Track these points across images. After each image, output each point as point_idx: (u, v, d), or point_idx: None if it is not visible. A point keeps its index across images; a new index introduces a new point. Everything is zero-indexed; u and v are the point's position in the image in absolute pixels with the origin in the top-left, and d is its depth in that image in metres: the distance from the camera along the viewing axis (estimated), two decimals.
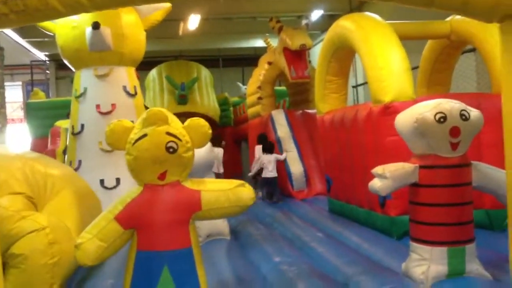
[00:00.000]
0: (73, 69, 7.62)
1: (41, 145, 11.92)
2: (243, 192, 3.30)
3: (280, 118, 9.08)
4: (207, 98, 13.07)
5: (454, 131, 3.36)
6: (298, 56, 8.78)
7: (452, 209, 3.45)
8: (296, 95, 10.56)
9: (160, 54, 15.44)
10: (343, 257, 4.38)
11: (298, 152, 8.63)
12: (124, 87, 7.40)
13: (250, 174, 8.70)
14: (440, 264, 3.47)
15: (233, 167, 13.55)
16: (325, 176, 6.86)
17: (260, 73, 10.42)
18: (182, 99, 12.40)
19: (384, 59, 4.99)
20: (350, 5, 13.37)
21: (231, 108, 14.51)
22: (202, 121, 3.38)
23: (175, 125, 3.23)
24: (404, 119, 3.58)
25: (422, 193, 3.53)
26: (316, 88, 6.70)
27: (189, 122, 3.35)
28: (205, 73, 13.41)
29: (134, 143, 3.13)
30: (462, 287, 3.42)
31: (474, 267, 3.51)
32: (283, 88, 12.23)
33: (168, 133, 3.14)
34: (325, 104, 6.55)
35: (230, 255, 4.82)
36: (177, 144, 3.14)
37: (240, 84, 15.64)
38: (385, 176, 3.47)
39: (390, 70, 4.96)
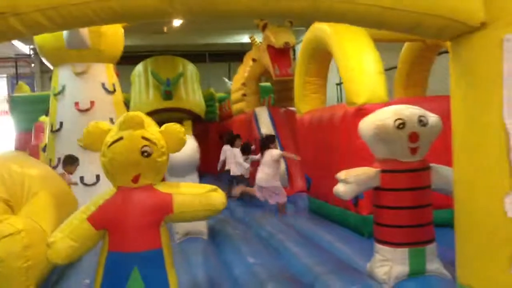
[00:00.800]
0: (51, 66, 7.66)
1: (26, 140, 11.95)
2: (215, 196, 3.39)
3: (263, 116, 9.17)
4: (192, 93, 13.09)
5: (413, 137, 3.49)
6: (282, 54, 8.86)
7: (413, 211, 3.58)
8: (280, 92, 10.66)
9: (146, 49, 15.45)
10: (314, 257, 4.49)
11: (281, 149, 8.72)
12: (103, 84, 7.46)
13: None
14: (401, 264, 3.61)
15: (217, 163, 13.67)
16: (305, 176, 6.99)
17: (244, 70, 10.51)
18: (168, 95, 12.40)
19: (357, 62, 5.10)
20: None
21: (217, 104, 14.59)
22: (178, 127, 3.47)
23: (151, 130, 3.32)
24: (366, 125, 3.71)
25: (384, 196, 3.65)
26: (295, 89, 6.80)
27: (165, 127, 3.44)
28: (191, 69, 13.42)
29: (109, 146, 3.22)
30: (423, 286, 3.56)
31: (434, 266, 3.66)
32: (268, 84, 12.33)
33: (144, 138, 3.21)
34: (304, 104, 6.66)
35: (206, 254, 4.92)
36: (152, 149, 3.23)
37: (226, 80, 15.70)
38: (348, 181, 3.59)
39: (363, 73, 5.07)
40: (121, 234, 3.20)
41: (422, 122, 3.54)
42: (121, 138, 3.17)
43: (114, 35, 7.48)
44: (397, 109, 3.62)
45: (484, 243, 2.28)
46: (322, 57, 6.06)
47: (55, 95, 7.45)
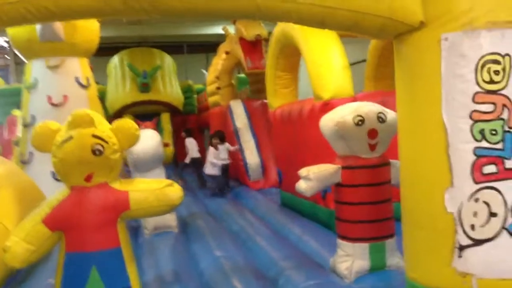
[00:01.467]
0: (24, 59, 7.53)
1: (0, 133, 11.77)
2: (171, 191, 3.39)
3: (238, 109, 9.17)
4: (170, 86, 13.03)
5: (372, 133, 3.53)
6: (253, 46, 8.85)
7: (372, 207, 3.63)
8: (255, 84, 10.60)
9: (122, 40, 15.28)
10: (280, 251, 4.54)
11: (256, 142, 8.75)
12: (77, 78, 7.36)
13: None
14: (362, 259, 3.66)
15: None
16: (277, 170, 7.01)
17: (218, 62, 10.47)
18: (145, 87, 12.33)
19: (323, 57, 5.12)
20: None
21: (195, 96, 14.52)
22: (129, 123, 3.45)
23: (102, 128, 3.29)
24: (326, 122, 3.73)
25: (344, 192, 3.70)
26: (267, 84, 6.80)
27: (116, 124, 3.41)
28: (168, 61, 13.34)
29: (59, 146, 3.19)
30: (383, 280, 3.62)
31: (395, 260, 3.72)
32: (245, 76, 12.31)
33: (94, 136, 3.19)
34: (276, 98, 6.67)
35: (174, 248, 4.94)
36: (103, 147, 3.20)
37: (204, 71, 15.61)
38: (309, 178, 3.63)
39: (329, 68, 5.10)
40: (77, 234, 3.19)
41: (381, 118, 3.57)
42: (71, 138, 3.15)
43: (89, 29, 7.39)
44: (356, 106, 3.65)
45: (427, 238, 2.33)
46: (291, 51, 6.06)
47: (27, 88, 7.33)
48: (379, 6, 2.26)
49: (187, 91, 14.03)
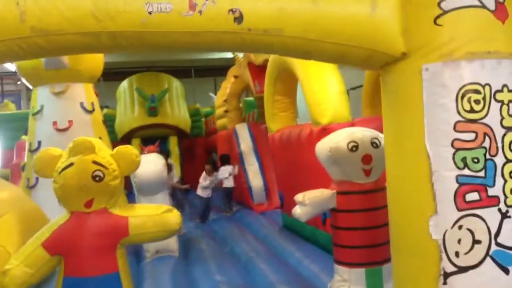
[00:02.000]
0: (30, 86, 7.71)
1: (10, 158, 11.97)
2: (169, 217, 3.45)
3: (243, 132, 9.26)
4: (177, 109, 13.20)
5: (366, 159, 3.56)
6: (262, 70, 8.93)
7: (368, 232, 3.63)
8: (263, 108, 10.71)
9: (132, 65, 15.54)
10: (279, 275, 4.56)
11: (260, 166, 8.81)
12: (81, 104, 7.48)
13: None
14: (359, 284, 3.65)
15: None
16: (278, 193, 7.05)
17: (226, 86, 10.61)
18: (152, 111, 12.49)
19: (320, 83, 5.20)
20: None
21: (203, 119, 14.66)
22: (130, 149, 3.53)
23: (102, 154, 3.37)
24: (320, 148, 3.78)
25: (340, 217, 3.71)
26: (265, 108, 6.90)
27: (117, 150, 3.49)
28: (176, 85, 13.53)
29: (60, 172, 3.27)
30: None
31: (391, 285, 3.70)
32: (253, 99, 12.43)
33: (95, 162, 3.27)
34: (274, 122, 6.76)
35: (174, 272, 4.97)
36: (103, 173, 3.28)
37: (212, 95, 15.79)
38: (305, 203, 3.66)
39: (327, 94, 5.17)
40: (76, 259, 3.24)
41: (375, 144, 3.61)
42: (71, 164, 3.23)
43: (93, 56, 7.53)
44: (350, 132, 3.70)
45: (412, 264, 2.35)
46: (288, 76, 6.16)
47: (34, 114, 7.49)
48: (361, 38, 2.33)
49: (195, 114, 14.18)
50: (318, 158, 3.85)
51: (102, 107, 11.73)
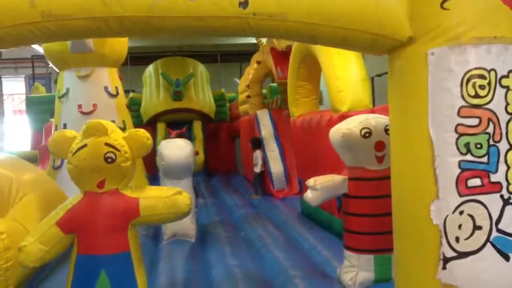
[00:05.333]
0: (56, 69, 7.89)
1: (40, 139, 12.30)
2: (179, 199, 3.50)
3: (264, 118, 9.27)
4: (202, 94, 13.28)
5: (379, 145, 3.53)
6: (284, 56, 8.89)
7: (378, 219, 3.61)
8: (285, 94, 10.69)
9: (158, 50, 15.66)
10: (292, 260, 4.58)
11: (280, 152, 8.82)
12: (106, 88, 7.63)
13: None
14: (367, 270, 3.66)
15: (228, 164, 13.83)
16: (297, 179, 7.06)
17: (249, 71, 10.61)
18: (177, 96, 12.60)
19: (341, 70, 5.15)
20: None
21: (228, 104, 14.71)
22: (141, 132, 3.58)
23: (115, 136, 3.43)
24: (334, 133, 3.78)
25: (351, 203, 3.71)
26: (288, 93, 6.88)
27: (129, 133, 3.55)
28: (201, 69, 13.60)
29: (74, 153, 3.36)
30: None
31: None
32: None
33: (107, 144, 3.34)
34: (297, 108, 6.73)
35: (189, 255, 5.05)
36: (115, 155, 3.35)
37: (237, 80, 15.80)
38: (316, 188, 3.67)
39: (347, 81, 5.12)
40: (89, 237, 3.33)
41: (388, 131, 3.56)
42: (84, 146, 3.31)
43: (118, 40, 7.65)
44: (364, 118, 3.67)
45: (413, 249, 2.35)
46: (312, 61, 6.10)
47: (60, 97, 7.68)
48: (366, 22, 2.30)
49: (220, 99, 14.23)
50: (332, 144, 3.85)
51: (128, 92, 11.90)
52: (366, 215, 3.65)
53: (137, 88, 14.90)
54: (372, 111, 4.99)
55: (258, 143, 8.82)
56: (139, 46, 14.95)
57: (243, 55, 17.25)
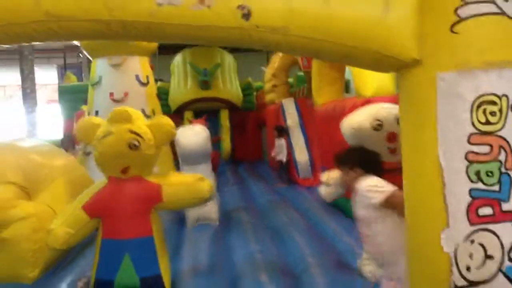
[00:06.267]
0: (90, 57, 8.07)
1: (71, 126, 12.61)
2: (201, 185, 3.59)
3: (290, 107, 9.28)
4: (229, 83, 13.32)
5: (391, 137, 3.46)
6: None
7: None
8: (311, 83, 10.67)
9: None
10: (312, 247, 4.63)
11: (306, 141, 8.83)
12: (137, 76, 7.78)
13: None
14: None
15: (255, 152, 13.89)
16: (321, 168, 7.06)
17: (275, 60, 10.61)
18: (205, 85, 12.68)
19: None
20: None
21: (254, 93, 14.73)
22: (165, 120, 3.67)
23: (139, 124, 3.53)
24: (345, 126, 3.73)
25: None
26: (313, 81, 6.86)
27: (153, 121, 3.64)
28: (228, 59, 13.63)
29: (100, 140, 3.47)
30: None
31: None
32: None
33: (131, 131, 3.44)
34: (321, 96, 6.72)
35: (212, 239, 5.15)
36: (139, 142, 3.44)
37: (264, 68, 15.76)
38: (329, 183, 3.65)
39: None
40: (113, 222, 3.44)
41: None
42: (110, 133, 3.40)
43: None
44: (375, 109, 3.61)
45: (424, 275, 2.27)
46: None
47: (92, 85, 7.87)
48: (371, 41, 2.22)
49: (247, 88, 14.25)
50: (343, 136, 3.81)
51: (156, 81, 12.05)
52: None
53: (165, 77, 15.05)
54: (397, 97, 4.93)
55: (281, 131, 8.85)
56: None
57: None
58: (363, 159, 2.83)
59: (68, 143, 8.62)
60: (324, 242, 4.89)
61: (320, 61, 6.54)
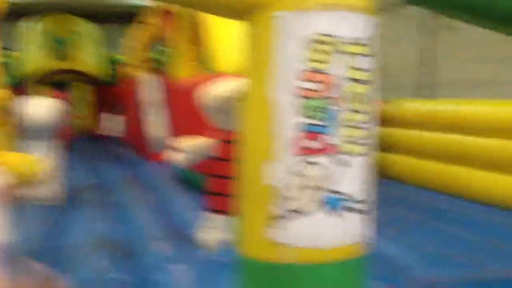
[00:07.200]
0: None
1: None
2: (34, 165, 3.38)
3: (148, 82, 9.07)
4: (89, 55, 12.59)
5: None
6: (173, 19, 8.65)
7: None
8: (172, 58, 10.47)
9: (48, 6, 14.44)
10: (157, 223, 4.57)
11: (160, 116, 8.67)
12: None
13: None
14: (225, 231, 3.68)
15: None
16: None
17: (139, 34, 10.22)
18: (60, 55, 11.85)
19: (220, 29, 5.08)
20: None
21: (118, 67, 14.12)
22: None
23: None
24: (208, 96, 3.75)
25: (216, 165, 3.69)
26: (173, 56, 6.72)
27: None
28: (89, 29, 12.86)
29: None
30: None
31: None
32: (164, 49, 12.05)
33: None
34: (181, 72, 6.62)
35: (49, 221, 4.79)
36: None
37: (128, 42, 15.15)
38: (182, 150, 3.75)
39: (225, 40, 5.06)
40: None
41: None
42: None
43: None
44: (241, 81, 3.62)
45: (248, 210, 2.34)
46: (196, 24, 5.97)
47: None
48: None
49: (112, 62, 13.55)
50: (203, 106, 3.80)
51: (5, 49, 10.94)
52: (231, 177, 3.62)
53: (13, 46, 13.70)
54: None
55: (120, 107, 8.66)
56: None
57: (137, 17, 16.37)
58: None
59: None
60: (168, 218, 4.82)
61: (182, 36, 6.38)
